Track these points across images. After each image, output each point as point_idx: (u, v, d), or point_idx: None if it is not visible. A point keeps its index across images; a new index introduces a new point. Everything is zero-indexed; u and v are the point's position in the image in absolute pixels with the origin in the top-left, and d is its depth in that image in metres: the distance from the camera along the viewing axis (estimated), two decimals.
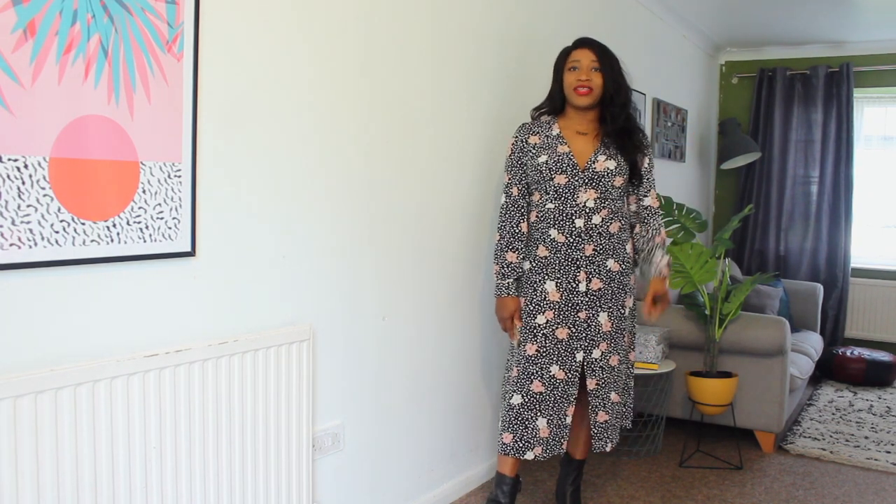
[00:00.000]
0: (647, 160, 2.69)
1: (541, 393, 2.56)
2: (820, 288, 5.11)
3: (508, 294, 2.66)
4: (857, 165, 5.60)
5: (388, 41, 2.48)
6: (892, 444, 3.76)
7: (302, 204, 2.20)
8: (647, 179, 2.71)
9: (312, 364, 2.19)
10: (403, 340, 2.66)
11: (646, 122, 4.72)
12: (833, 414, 4.29)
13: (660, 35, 4.88)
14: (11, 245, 1.50)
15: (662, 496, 3.08)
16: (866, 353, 5.03)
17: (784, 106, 5.77)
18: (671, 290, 4.01)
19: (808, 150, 5.73)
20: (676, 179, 5.34)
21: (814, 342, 4.61)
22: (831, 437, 3.86)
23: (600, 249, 2.58)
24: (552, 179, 2.58)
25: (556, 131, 2.64)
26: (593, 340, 2.59)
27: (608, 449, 2.64)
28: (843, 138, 5.56)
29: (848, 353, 5.02)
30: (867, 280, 5.67)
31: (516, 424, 2.57)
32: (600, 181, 2.56)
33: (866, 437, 3.86)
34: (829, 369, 5.06)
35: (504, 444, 2.59)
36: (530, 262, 2.64)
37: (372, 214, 2.47)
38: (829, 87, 5.63)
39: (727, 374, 3.52)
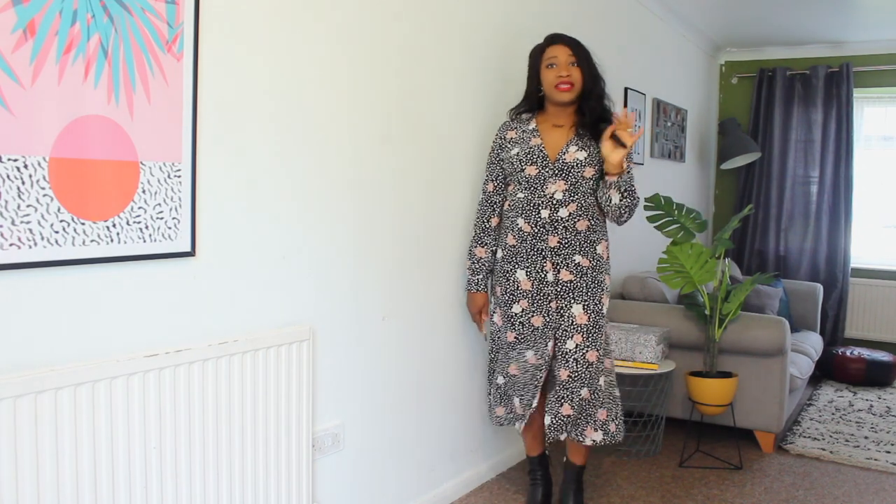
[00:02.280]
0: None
1: (515, 376, 2.72)
2: (820, 288, 5.11)
3: (477, 290, 2.80)
4: (856, 165, 5.60)
5: (389, 41, 2.48)
6: (892, 444, 3.76)
7: (302, 204, 2.20)
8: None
9: (312, 364, 2.19)
10: (403, 340, 2.66)
11: (646, 122, 4.73)
12: (833, 414, 4.29)
13: (660, 35, 4.88)
14: (11, 245, 1.50)
15: (662, 496, 3.08)
16: (866, 353, 5.03)
17: (784, 106, 5.77)
18: (672, 290, 4.01)
19: (808, 150, 5.73)
20: (676, 179, 5.34)
21: (814, 342, 4.61)
22: (831, 437, 3.86)
23: (566, 243, 2.60)
24: (523, 171, 2.62)
25: (532, 126, 2.69)
26: (566, 331, 2.61)
27: (562, 438, 2.66)
28: (842, 138, 5.57)
29: (848, 353, 5.02)
30: (867, 280, 5.67)
31: (504, 399, 2.78)
32: (570, 172, 2.58)
33: (866, 437, 3.86)
34: (829, 369, 5.06)
35: (497, 416, 2.83)
36: (502, 249, 2.72)
37: (372, 214, 2.47)
38: (829, 87, 5.63)
39: (727, 374, 3.52)
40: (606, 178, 2.56)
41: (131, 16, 1.67)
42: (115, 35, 1.64)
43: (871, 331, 5.65)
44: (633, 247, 4.48)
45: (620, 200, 2.56)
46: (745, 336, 3.55)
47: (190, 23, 1.80)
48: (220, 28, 1.90)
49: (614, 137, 2.50)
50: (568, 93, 2.60)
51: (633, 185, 2.57)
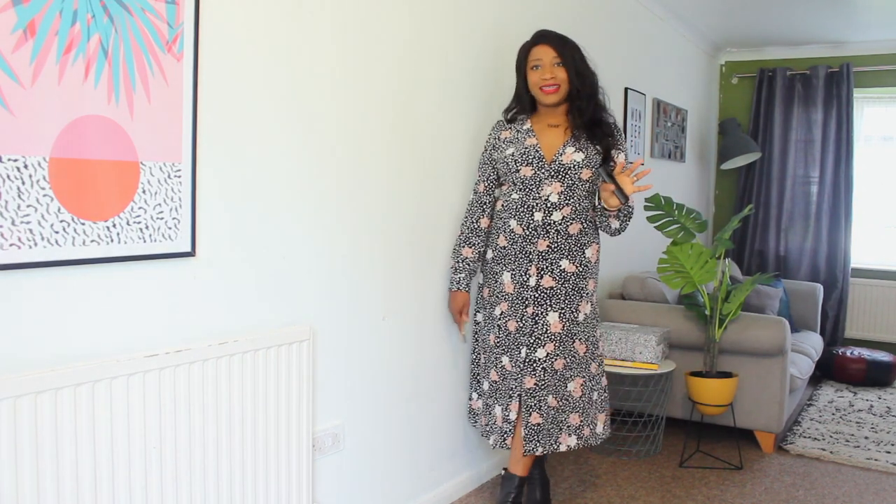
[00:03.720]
0: (622, 155, 2.65)
1: (496, 381, 2.66)
2: (820, 288, 5.11)
3: (459, 289, 2.76)
4: (857, 165, 5.60)
5: (387, 43, 2.48)
6: (892, 445, 3.76)
7: (302, 204, 2.20)
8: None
9: (312, 364, 2.19)
10: (403, 340, 2.66)
11: (646, 122, 4.73)
12: (833, 414, 4.29)
13: (660, 35, 4.88)
14: (11, 245, 1.50)
15: (662, 496, 3.08)
16: (866, 353, 5.03)
17: (784, 106, 5.77)
18: (672, 290, 4.01)
19: (808, 150, 5.73)
20: (676, 179, 5.34)
21: (814, 342, 4.61)
22: (831, 437, 3.86)
23: (555, 247, 2.57)
24: (518, 171, 2.59)
25: (527, 126, 2.66)
26: (539, 339, 2.57)
27: (538, 453, 2.58)
28: (843, 138, 5.57)
29: (848, 354, 5.02)
30: (867, 280, 5.67)
31: (483, 410, 2.75)
32: (566, 174, 2.56)
33: (866, 438, 3.86)
34: (829, 369, 5.06)
35: (475, 413, 2.87)
36: (492, 250, 2.69)
37: (372, 215, 2.47)
38: (829, 87, 5.63)
39: (727, 375, 3.52)
40: (605, 209, 2.56)
41: (131, 16, 1.67)
42: (115, 35, 1.64)
43: (871, 331, 5.65)
44: (633, 247, 4.48)
45: (620, 225, 2.63)
46: (746, 336, 3.55)
47: (190, 23, 1.80)
48: (220, 28, 1.90)
49: (615, 183, 2.45)
50: (553, 95, 2.58)
51: (630, 209, 2.61)
